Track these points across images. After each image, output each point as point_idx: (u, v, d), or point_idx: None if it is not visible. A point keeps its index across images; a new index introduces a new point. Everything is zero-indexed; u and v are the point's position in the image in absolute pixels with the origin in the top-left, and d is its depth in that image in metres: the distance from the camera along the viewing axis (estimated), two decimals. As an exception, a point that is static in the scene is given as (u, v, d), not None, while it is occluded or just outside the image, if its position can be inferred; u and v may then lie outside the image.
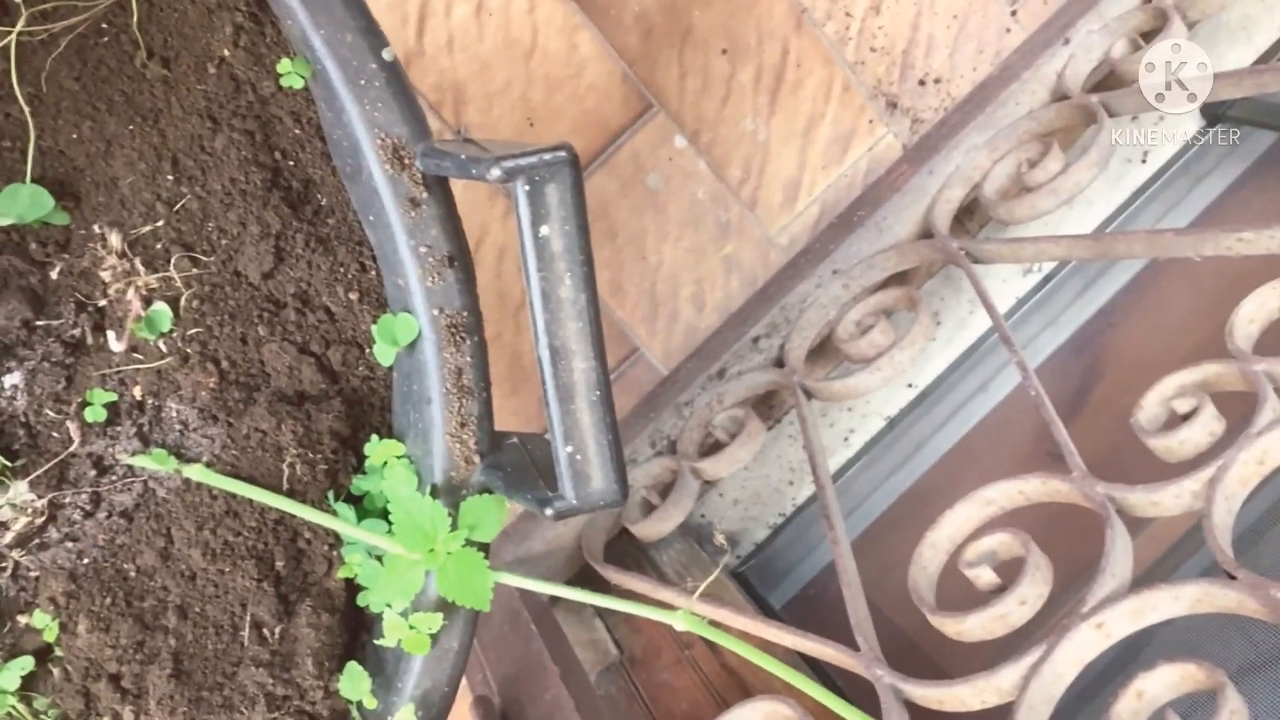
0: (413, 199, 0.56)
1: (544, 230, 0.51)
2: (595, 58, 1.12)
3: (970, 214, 1.19)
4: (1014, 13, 1.19)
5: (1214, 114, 1.20)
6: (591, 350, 0.53)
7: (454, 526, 0.57)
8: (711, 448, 1.13)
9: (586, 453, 0.54)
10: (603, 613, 1.16)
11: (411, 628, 0.59)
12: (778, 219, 1.20)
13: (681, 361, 1.19)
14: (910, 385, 1.26)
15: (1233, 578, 0.68)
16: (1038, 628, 0.79)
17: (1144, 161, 1.24)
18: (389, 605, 0.60)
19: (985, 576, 0.79)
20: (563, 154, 0.51)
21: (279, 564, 0.65)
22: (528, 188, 0.51)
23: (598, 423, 0.54)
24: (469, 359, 0.58)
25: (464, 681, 1.08)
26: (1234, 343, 0.79)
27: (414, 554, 0.56)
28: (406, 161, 0.55)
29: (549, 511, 0.54)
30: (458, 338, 0.58)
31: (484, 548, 0.59)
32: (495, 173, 0.51)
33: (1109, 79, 1.12)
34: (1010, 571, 0.79)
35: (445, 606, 0.60)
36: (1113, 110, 1.06)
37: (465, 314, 0.58)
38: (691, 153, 1.16)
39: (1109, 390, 1.16)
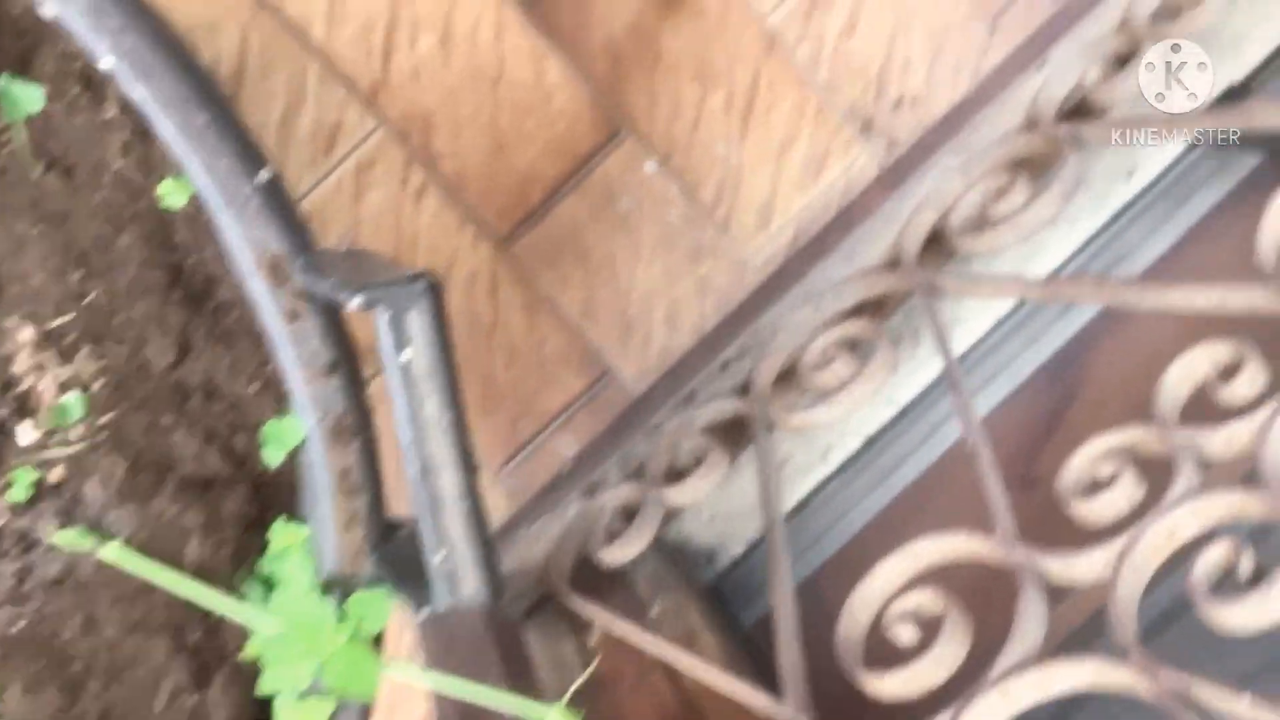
0: (292, 311, 0.57)
1: (406, 354, 0.53)
2: (563, 84, 1.12)
3: (946, 237, 1.18)
4: (993, 32, 1.18)
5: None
6: (459, 463, 0.55)
7: (342, 619, 0.60)
8: (680, 473, 1.14)
9: (456, 558, 0.56)
10: (574, 629, 1.18)
11: (303, 715, 0.62)
12: (752, 241, 1.20)
13: (653, 384, 1.21)
14: (890, 402, 1.26)
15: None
16: (968, 683, 0.80)
17: (1129, 178, 1.23)
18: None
19: (906, 635, 0.80)
20: (422, 282, 0.52)
21: (193, 636, 0.68)
22: (388, 314, 0.52)
23: (467, 530, 0.56)
24: (355, 459, 0.60)
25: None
26: (1159, 407, 0.78)
27: (299, 648, 0.58)
28: (284, 277, 0.57)
29: (421, 614, 0.57)
30: (342, 440, 0.60)
31: (375, 638, 0.61)
32: (357, 300, 0.52)
33: (1082, 105, 1.11)
34: (937, 629, 0.80)
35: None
36: (1081, 141, 1.05)
37: (349, 416, 0.60)
38: (662, 177, 1.16)
39: (1081, 415, 1.16)
